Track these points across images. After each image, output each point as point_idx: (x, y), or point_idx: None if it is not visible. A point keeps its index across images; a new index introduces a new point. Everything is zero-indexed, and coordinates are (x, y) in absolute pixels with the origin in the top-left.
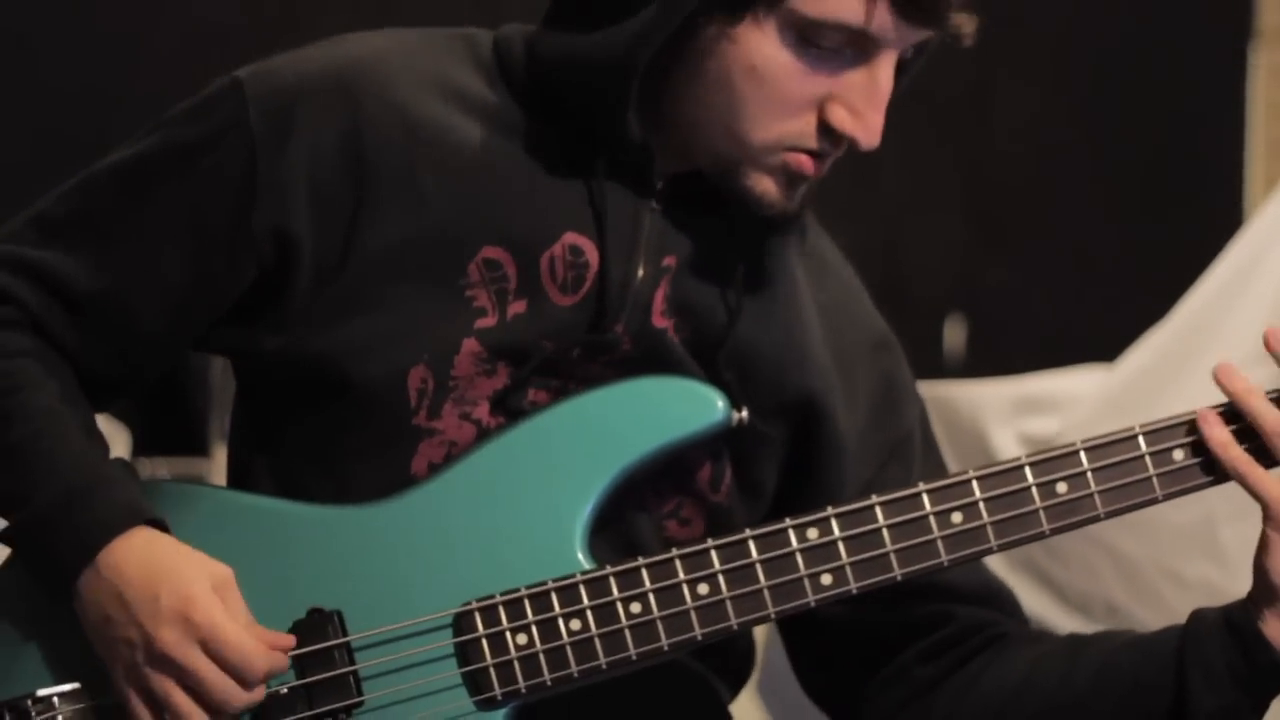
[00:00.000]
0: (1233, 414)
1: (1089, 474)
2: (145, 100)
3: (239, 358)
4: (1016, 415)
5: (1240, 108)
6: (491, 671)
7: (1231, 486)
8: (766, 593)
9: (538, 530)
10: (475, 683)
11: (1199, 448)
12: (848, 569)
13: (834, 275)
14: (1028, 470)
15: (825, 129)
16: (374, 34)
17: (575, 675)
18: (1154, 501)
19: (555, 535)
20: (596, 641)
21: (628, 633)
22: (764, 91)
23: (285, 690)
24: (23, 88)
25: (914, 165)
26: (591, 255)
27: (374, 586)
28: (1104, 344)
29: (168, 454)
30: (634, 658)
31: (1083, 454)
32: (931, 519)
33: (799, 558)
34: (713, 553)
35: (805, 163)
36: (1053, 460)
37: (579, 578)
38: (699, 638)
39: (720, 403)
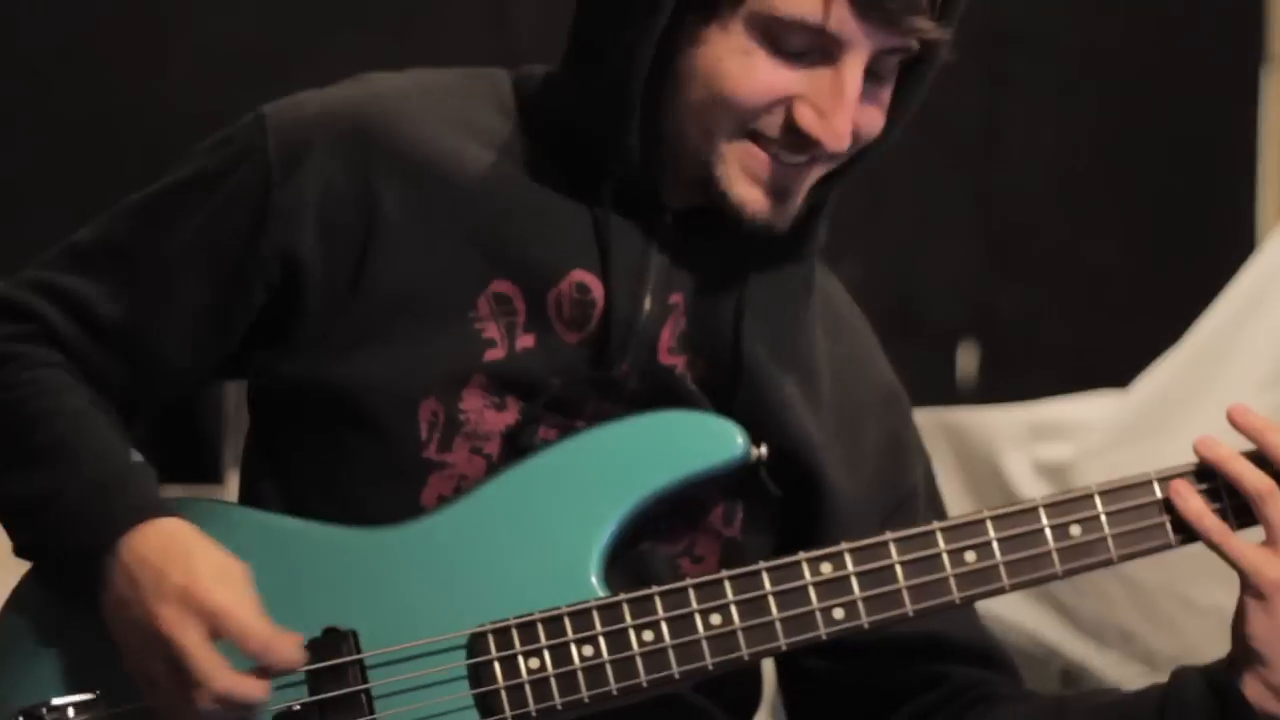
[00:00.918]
0: (1209, 472)
1: (1103, 517)
2: (161, 128)
3: (254, 382)
4: (1030, 441)
5: (1253, 132)
6: (503, 694)
7: None
8: (778, 624)
9: (554, 557)
10: (486, 705)
11: (1215, 494)
12: (860, 604)
13: (848, 327)
14: (1042, 512)
15: (791, 128)
16: (397, 74)
17: (586, 700)
18: (1168, 546)
19: (571, 562)
20: (608, 668)
21: (639, 660)
22: (730, 90)
23: (298, 707)
24: (40, 114)
25: (928, 191)
26: (598, 293)
27: (389, 607)
28: (1117, 369)
29: (181, 481)
30: (645, 685)
31: (1098, 498)
32: (945, 557)
33: (811, 591)
34: (726, 583)
35: (759, 156)
36: (1068, 503)
37: (592, 603)
38: (710, 667)
39: (739, 438)
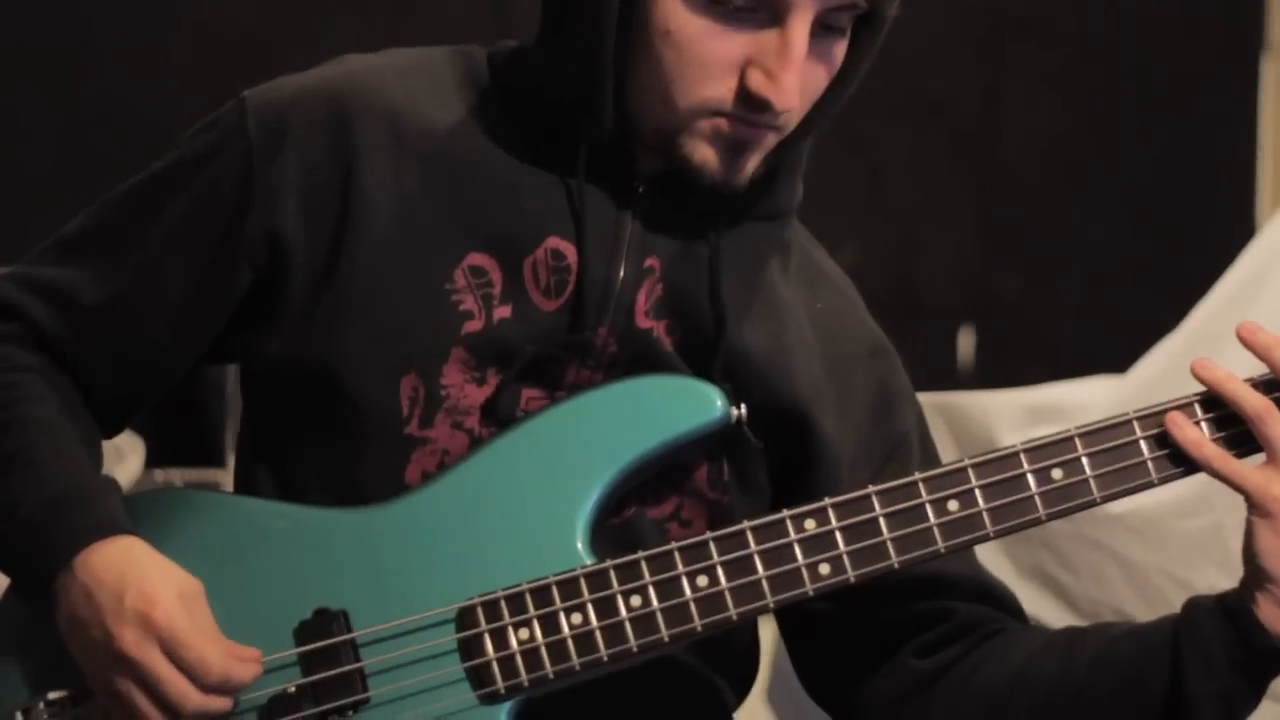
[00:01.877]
0: (1209, 403)
1: (1084, 459)
2: (160, 119)
3: (243, 363)
4: (1028, 425)
5: (1252, 119)
6: (494, 665)
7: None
8: (765, 583)
9: (539, 528)
10: (478, 677)
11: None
12: (845, 558)
13: (829, 284)
14: (1023, 457)
15: (745, 94)
16: (374, 54)
17: (577, 668)
18: (1149, 485)
19: (557, 532)
20: (597, 634)
21: (628, 625)
22: (681, 55)
23: (293, 689)
24: (38, 105)
25: (925, 176)
26: (573, 259)
27: (378, 586)
28: (1115, 354)
29: (183, 465)
30: (635, 650)
31: (1077, 440)
32: (928, 507)
33: (797, 548)
34: (711, 544)
35: (723, 125)
36: (1047, 447)
37: (579, 571)
38: (699, 629)
39: (719, 400)
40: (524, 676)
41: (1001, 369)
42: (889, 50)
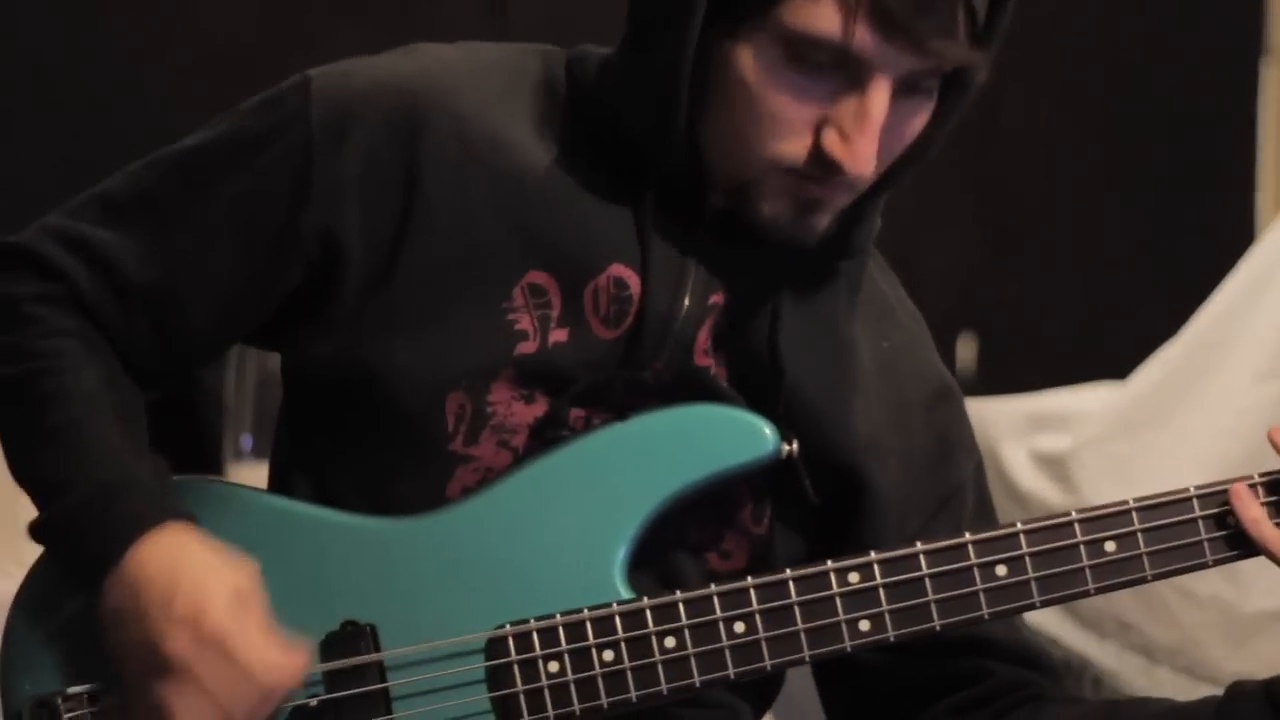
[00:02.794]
0: (1273, 485)
1: (1139, 534)
2: (160, 119)
3: (287, 361)
4: (1028, 432)
5: (1252, 124)
6: (521, 698)
7: None
8: (803, 635)
9: (578, 556)
10: (505, 708)
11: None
12: (887, 616)
13: (895, 322)
14: (1077, 527)
15: (819, 154)
16: (449, 46)
17: (605, 707)
18: (1204, 566)
19: (595, 562)
20: (628, 674)
21: (660, 667)
22: (756, 108)
23: (315, 703)
24: (34, 102)
25: (925, 181)
26: (635, 288)
27: (409, 602)
28: (1116, 361)
29: (180, 472)
30: (665, 693)
31: (1134, 513)
32: (975, 570)
33: (838, 602)
34: (751, 591)
35: (795, 183)
36: (1104, 518)
37: (615, 608)
38: (732, 676)
39: (770, 434)
40: (550, 712)
41: (1001, 376)
42: None
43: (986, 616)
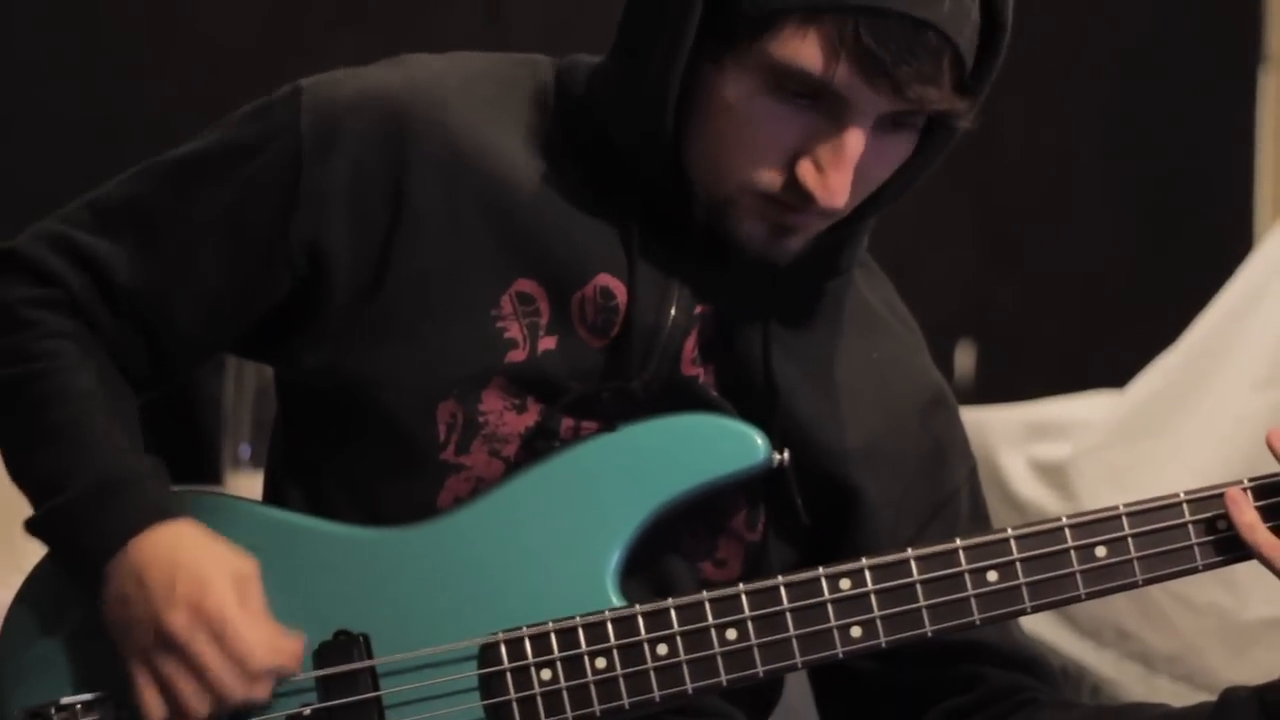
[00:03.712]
0: (1268, 488)
1: (1129, 539)
2: (159, 123)
3: (280, 372)
4: (1027, 440)
5: (1250, 131)
6: (514, 706)
7: None
8: (795, 641)
9: (570, 564)
10: (498, 716)
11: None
12: (878, 622)
13: (886, 330)
14: (1067, 531)
15: (794, 183)
16: (438, 57)
17: (597, 715)
18: (1194, 570)
19: (587, 570)
20: (621, 682)
21: (653, 674)
22: (737, 131)
23: (308, 712)
24: (31, 109)
25: (923, 189)
26: (622, 298)
27: (402, 611)
28: (1114, 369)
29: (178, 481)
30: (658, 700)
31: (1125, 518)
32: (966, 576)
33: (830, 608)
34: (743, 597)
35: (769, 208)
36: (1095, 524)
37: (607, 615)
38: (724, 683)
39: (761, 443)
40: (543, 719)
41: (1000, 384)
42: None
43: (978, 622)
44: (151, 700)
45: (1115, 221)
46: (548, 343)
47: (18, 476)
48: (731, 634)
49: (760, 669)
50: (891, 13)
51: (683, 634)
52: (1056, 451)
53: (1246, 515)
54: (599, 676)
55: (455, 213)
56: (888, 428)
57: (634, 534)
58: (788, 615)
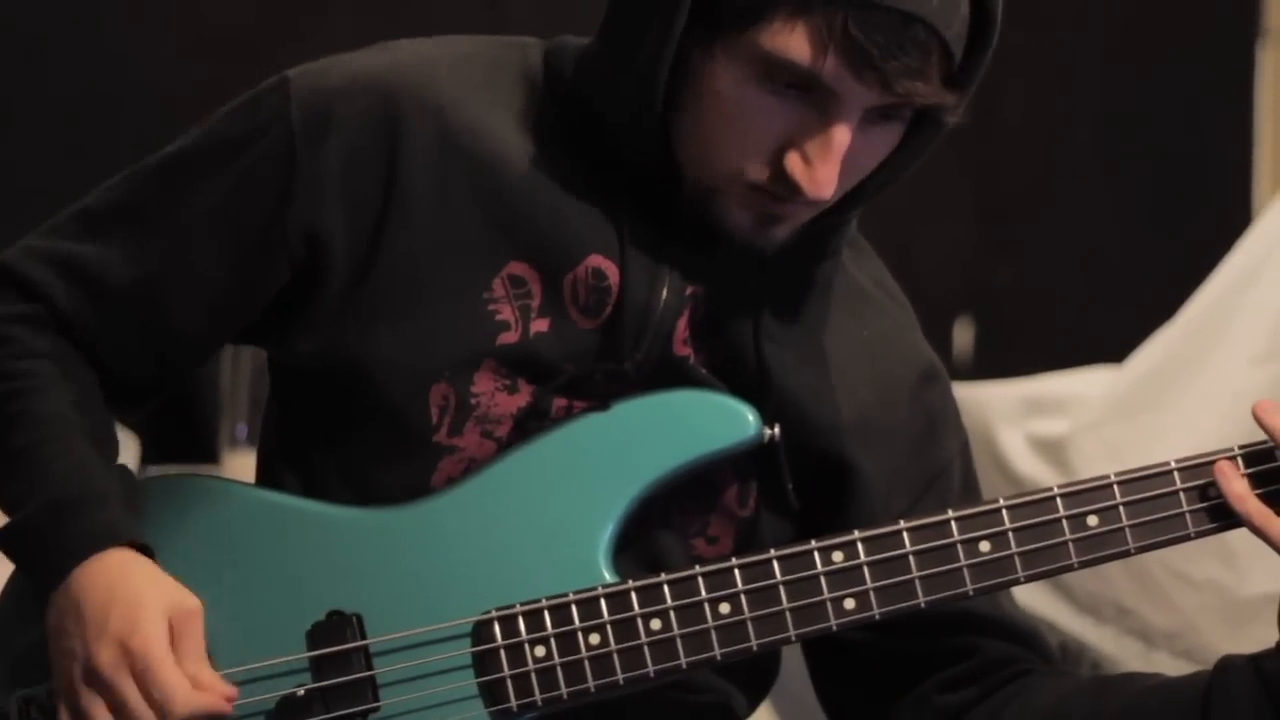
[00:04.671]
0: (1257, 455)
1: (1121, 508)
2: (154, 111)
3: (273, 355)
4: (1025, 416)
5: (1248, 107)
6: (508, 682)
7: None
8: (788, 614)
9: (562, 541)
10: (491, 693)
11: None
12: (871, 594)
13: (876, 307)
14: (1059, 501)
15: (781, 173)
16: (426, 40)
17: (592, 690)
18: (1187, 538)
19: (579, 547)
20: (615, 657)
21: (646, 649)
22: (725, 120)
23: (301, 692)
24: (30, 96)
25: (922, 167)
26: (614, 279)
27: (394, 591)
28: (1112, 344)
29: (176, 461)
30: (652, 675)
31: (1116, 487)
32: (959, 547)
33: (823, 580)
34: (736, 571)
35: (756, 197)
36: (1085, 492)
37: (600, 591)
38: (718, 657)
39: (751, 418)
40: (537, 695)
41: (998, 360)
42: None
43: (971, 593)
44: None
45: (1113, 198)
46: (540, 324)
47: None
48: (725, 608)
49: (754, 642)
50: (880, 6)
51: (676, 609)
52: (1055, 427)
53: (1236, 485)
54: (593, 653)
55: (446, 195)
56: (879, 402)
57: (626, 510)
58: (781, 589)
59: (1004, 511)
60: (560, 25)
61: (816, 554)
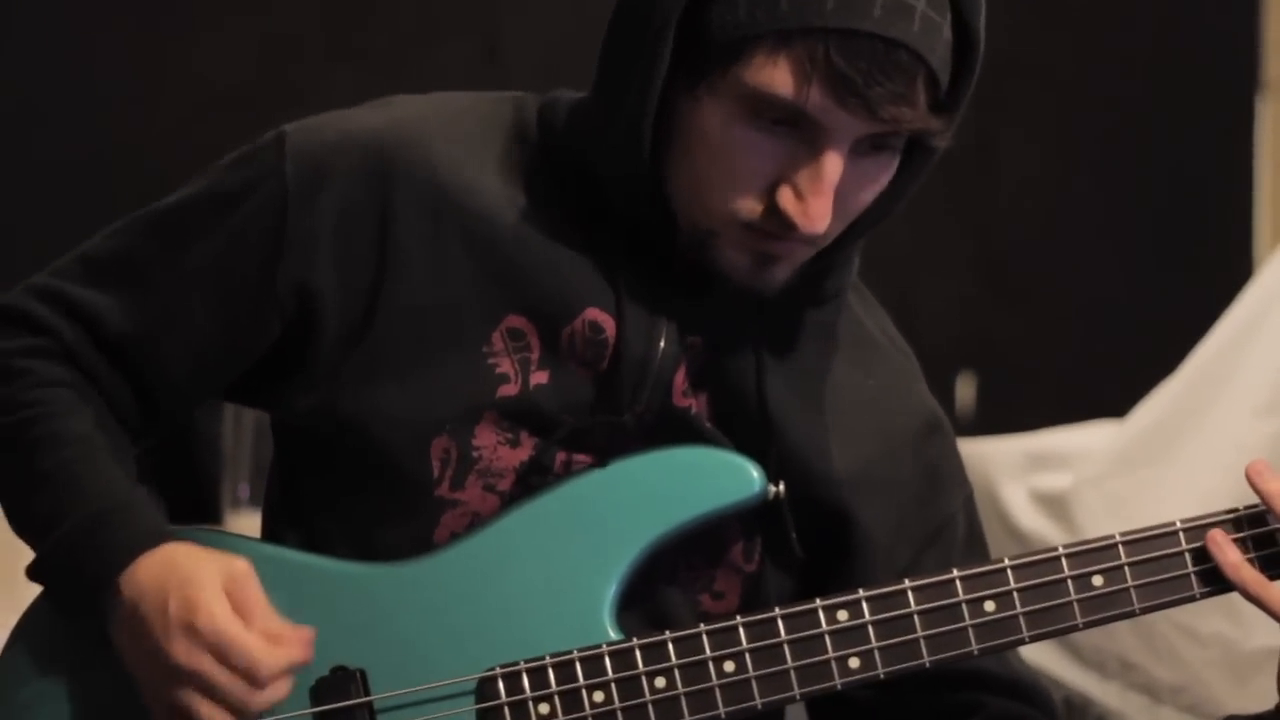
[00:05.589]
0: (1249, 520)
1: (1126, 568)
2: (156, 165)
3: (274, 416)
4: (1028, 471)
5: (1248, 159)
6: None
7: None
8: (793, 673)
9: (566, 598)
10: None
11: (1243, 545)
12: (876, 653)
13: (881, 358)
14: (1064, 561)
15: (775, 211)
16: (421, 97)
17: None
18: (1192, 599)
19: (584, 604)
20: (619, 715)
21: (651, 708)
22: (714, 161)
23: None
24: (29, 152)
25: (922, 220)
26: (611, 331)
27: (399, 647)
28: (1115, 398)
29: (178, 521)
30: None
31: (1121, 547)
32: (964, 606)
33: (828, 639)
34: (741, 629)
35: (752, 237)
36: (1090, 552)
37: (605, 648)
38: (723, 716)
39: (756, 475)
40: None
41: (1000, 415)
42: None
43: (976, 652)
44: None
45: (1115, 250)
46: (540, 377)
47: (20, 528)
48: (729, 666)
49: (759, 701)
50: (861, 34)
51: (680, 667)
52: (1057, 482)
53: (1230, 556)
54: (597, 710)
55: (442, 251)
56: (883, 454)
57: (630, 567)
58: (785, 647)
59: (1009, 571)
60: (560, 79)
61: (821, 612)
